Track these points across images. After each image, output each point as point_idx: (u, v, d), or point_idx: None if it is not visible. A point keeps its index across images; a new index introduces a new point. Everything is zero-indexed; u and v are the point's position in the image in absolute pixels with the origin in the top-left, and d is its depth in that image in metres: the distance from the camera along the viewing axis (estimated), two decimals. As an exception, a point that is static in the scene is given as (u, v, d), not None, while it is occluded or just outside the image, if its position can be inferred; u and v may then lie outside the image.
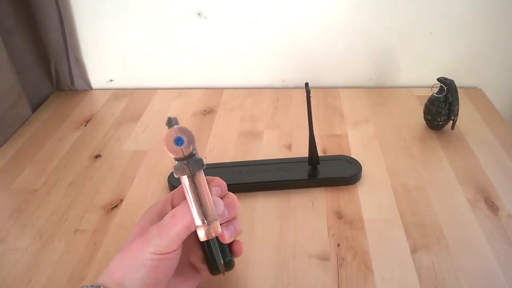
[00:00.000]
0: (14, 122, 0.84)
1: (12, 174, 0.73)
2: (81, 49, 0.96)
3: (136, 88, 0.98)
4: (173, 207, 0.46)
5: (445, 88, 0.73)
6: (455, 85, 0.73)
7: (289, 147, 0.76)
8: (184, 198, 0.47)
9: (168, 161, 0.72)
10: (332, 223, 0.60)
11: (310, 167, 0.68)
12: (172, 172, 0.69)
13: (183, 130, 0.31)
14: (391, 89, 0.93)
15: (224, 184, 0.47)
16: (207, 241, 0.45)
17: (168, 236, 0.41)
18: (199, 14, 0.90)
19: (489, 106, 0.86)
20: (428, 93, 0.76)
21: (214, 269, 0.47)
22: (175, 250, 0.42)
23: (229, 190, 0.66)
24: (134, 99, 0.94)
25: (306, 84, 0.61)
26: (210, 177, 0.46)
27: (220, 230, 0.41)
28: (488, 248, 0.55)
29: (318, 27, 0.90)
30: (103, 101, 0.94)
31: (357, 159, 0.70)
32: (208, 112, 0.88)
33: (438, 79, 0.74)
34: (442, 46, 0.90)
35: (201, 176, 0.40)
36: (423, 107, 0.78)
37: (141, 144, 0.79)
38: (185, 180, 0.39)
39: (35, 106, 0.92)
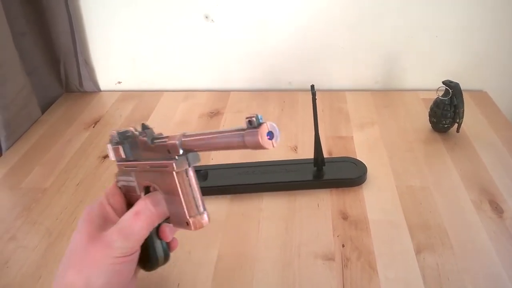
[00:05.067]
0: (24, 123, 0.86)
1: (22, 174, 0.74)
2: (90, 51, 0.97)
3: (144, 90, 0.99)
4: (112, 207, 0.45)
5: (450, 90, 0.73)
6: (460, 88, 0.73)
7: (295, 148, 0.77)
8: (121, 197, 0.47)
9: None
10: (337, 224, 0.61)
11: (315, 168, 0.68)
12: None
13: (273, 126, 0.32)
14: (397, 92, 0.94)
15: None
16: (148, 236, 0.44)
17: (132, 236, 0.40)
18: (206, 17, 0.91)
19: (494, 108, 0.87)
20: (434, 95, 0.76)
21: (153, 263, 0.46)
22: (137, 250, 0.42)
23: (235, 191, 0.68)
24: (142, 101, 0.95)
25: (312, 86, 0.62)
26: None
27: (208, 220, 0.41)
28: (492, 250, 0.56)
29: (324, 30, 0.90)
30: (111, 103, 0.95)
31: (362, 161, 0.70)
32: (215, 114, 0.89)
33: (443, 82, 0.74)
34: (448, 49, 0.90)
35: (193, 170, 0.41)
36: (429, 109, 0.78)
37: (148, 145, 0.80)
38: (180, 174, 0.40)
39: (45, 107, 0.93)
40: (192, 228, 0.40)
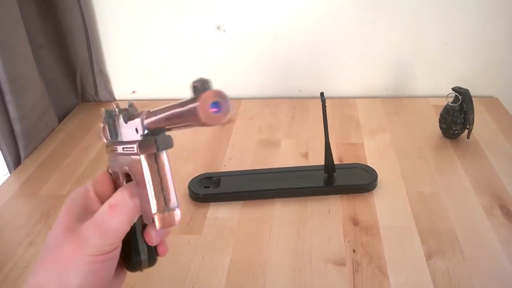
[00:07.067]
0: (42, 132, 0.88)
1: (40, 181, 0.76)
2: (106, 62, 1.00)
3: (158, 99, 1.01)
4: (98, 196, 0.40)
5: (460, 97, 0.74)
6: (470, 94, 0.74)
7: (305, 155, 0.78)
8: (111, 185, 0.41)
9: (189, 168, 0.75)
10: (348, 229, 0.62)
11: (326, 175, 0.69)
12: (193, 179, 0.71)
13: (221, 93, 0.25)
14: (407, 99, 0.95)
15: None
16: (132, 234, 0.39)
17: (109, 232, 0.35)
18: (218, 27, 0.93)
19: (505, 115, 0.87)
20: (444, 102, 0.77)
21: (135, 264, 0.41)
22: (117, 247, 0.37)
23: (247, 197, 0.69)
24: (155, 110, 0.97)
25: (322, 93, 0.63)
26: None
27: (180, 219, 0.35)
28: (503, 255, 0.56)
29: (334, 38, 0.92)
30: (126, 112, 0.97)
31: (373, 167, 0.71)
32: (227, 121, 0.90)
33: (453, 89, 0.75)
34: (458, 56, 0.91)
35: (166, 157, 0.35)
36: (439, 116, 0.79)
37: (162, 152, 0.82)
38: (148, 159, 0.34)
39: (62, 117, 0.96)
40: (158, 226, 0.34)
